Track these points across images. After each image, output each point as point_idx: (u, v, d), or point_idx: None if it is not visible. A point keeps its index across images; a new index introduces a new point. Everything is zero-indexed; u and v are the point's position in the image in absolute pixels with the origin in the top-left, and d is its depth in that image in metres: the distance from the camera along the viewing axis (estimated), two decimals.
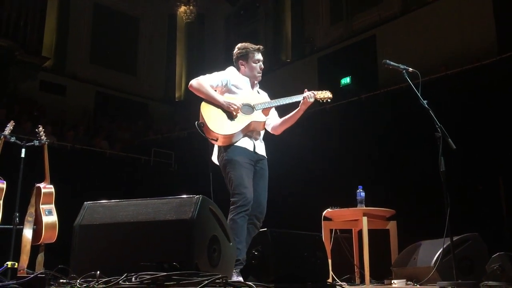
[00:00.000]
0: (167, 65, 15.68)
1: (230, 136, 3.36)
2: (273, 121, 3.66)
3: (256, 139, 3.51)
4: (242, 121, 3.41)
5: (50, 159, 4.79)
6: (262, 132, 3.61)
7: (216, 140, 3.39)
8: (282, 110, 3.68)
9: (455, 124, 4.77)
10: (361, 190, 4.31)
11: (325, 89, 3.65)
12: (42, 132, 4.83)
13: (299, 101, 3.51)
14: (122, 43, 14.90)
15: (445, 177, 2.87)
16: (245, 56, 3.60)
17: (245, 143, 3.42)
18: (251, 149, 3.43)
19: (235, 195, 3.24)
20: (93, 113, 13.57)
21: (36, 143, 4.76)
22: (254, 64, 3.60)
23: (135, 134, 12.60)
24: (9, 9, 12.16)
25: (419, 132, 5.96)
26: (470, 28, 9.52)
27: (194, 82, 3.49)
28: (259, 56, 3.61)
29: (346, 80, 11.59)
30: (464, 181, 5.60)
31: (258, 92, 3.70)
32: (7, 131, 4.66)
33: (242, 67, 3.63)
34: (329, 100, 3.65)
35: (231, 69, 3.65)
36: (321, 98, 3.61)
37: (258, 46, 3.65)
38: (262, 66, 3.65)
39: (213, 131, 3.34)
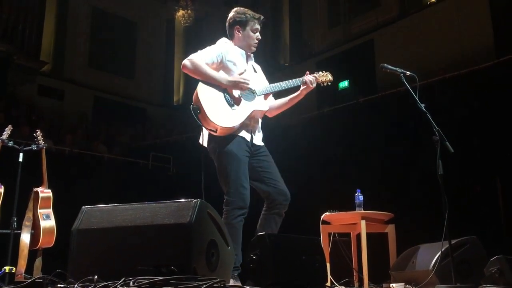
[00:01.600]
0: (165, 69, 15.70)
1: (232, 128, 3.05)
2: (270, 103, 3.38)
3: (254, 128, 3.23)
4: (244, 110, 3.10)
5: (48, 164, 4.78)
6: (260, 120, 3.33)
7: (215, 132, 3.03)
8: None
9: (452, 128, 4.78)
10: (359, 194, 4.30)
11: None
12: (40, 137, 4.83)
13: (299, 85, 3.31)
14: (120, 48, 14.91)
15: (443, 180, 2.87)
16: (244, 22, 3.26)
17: (242, 133, 3.13)
18: (249, 139, 3.16)
19: (231, 193, 3.01)
20: (91, 117, 13.56)
21: (34, 147, 4.75)
22: (251, 33, 3.28)
23: (133, 138, 12.60)
24: (7, 13, 12.17)
25: (417, 136, 5.97)
26: (468, 31, 9.55)
27: (187, 62, 3.09)
28: (258, 25, 3.30)
29: (344, 84, 11.61)
30: (462, 184, 5.60)
31: (254, 69, 3.39)
32: (5, 135, 4.66)
33: (237, 34, 3.28)
34: (329, 83, 3.46)
35: (224, 41, 3.30)
36: (322, 82, 3.43)
37: (259, 15, 3.34)
38: (259, 37, 3.33)
39: (212, 122, 2.98)
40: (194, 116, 3.01)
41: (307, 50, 13.01)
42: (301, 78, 3.33)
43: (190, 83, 15.31)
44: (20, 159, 4.68)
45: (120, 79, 14.76)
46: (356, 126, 7.53)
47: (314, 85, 3.33)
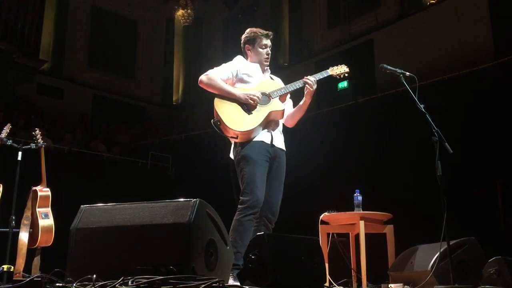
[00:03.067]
0: (165, 69, 15.68)
1: (250, 132, 3.20)
2: (288, 111, 3.51)
3: (274, 130, 3.35)
4: (261, 113, 3.24)
5: (46, 162, 4.79)
6: (281, 122, 3.46)
7: (236, 138, 3.22)
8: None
9: (452, 129, 4.78)
10: (358, 194, 4.30)
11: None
12: (39, 135, 4.83)
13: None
14: (120, 47, 14.89)
15: (442, 181, 2.88)
16: (252, 40, 3.48)
17: (262, 136, 3.27)
18: (268, 141, 3.28)
19: (245, 193, 3.13)
20: (90, 116, 13.55)
21: (33, 146, 4.76)
22: (260, 49, 3.46)
23: (132, 137, 12.60)
24: (7, 12, 12.15)
25: (416, 136, 5.97)
26: (467, 32, 9.55)
27: (203, 77, 3.31)
28: (266, 41, 3.48)
29: (343, 84, 11.60)
30: (461, 185, 5.61)
31: (272, 78, 3.57)
32: (3, 134, 4.66)
33: (248, 52, 3.50)
34: (346, 75, 3.54)
35: (239, 58, 3.51)
36: (337, 75, 3.51)
37: (267, 32, 3.52)
38: (269, 52, 3.50)
39: (231, 129, 3.17)
40: (216, 130, 3.19)
41: (307, 50, 13.00)
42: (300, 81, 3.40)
43: (190, 83, 15.32)
44: (19, 158, 4.68)
45: (119, 78, 14.75)
46: (355, 126, 7.54)
47: (315, 86, 3.37)
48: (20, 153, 4.68)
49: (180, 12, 16.03)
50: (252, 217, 3.10)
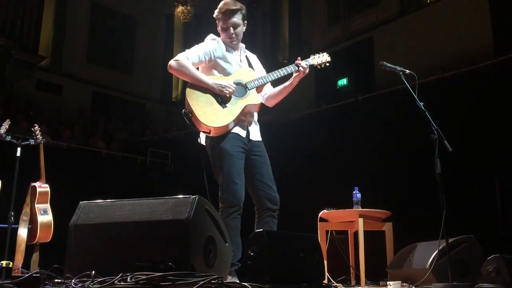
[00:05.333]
0: (164, 65, 15.49)
1: (225, 127, 3.01)
2: (267, 92, 3.31)
3: (250, 123, 3.16)
4: (236, 106, 3.03)
5: (45, 158, 4.78)
6: (256, 114, 3.24)
7: (209, 133, 3.02)
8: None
9: (451, 126, 4.78)
10: (357, 192, 4.30)
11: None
12: (38, 131, 4.82)
13: (293, 73, 3.21)
14: (119, 43, 14.88)
15: (441, 179, 2.88)
16: (219, 18, 3.19)
17: (237, 129, 3.06)
18: (244, 135, 3.09)
19: (223, 191, 2.97)
20: (89, 112, 13.54)
21: (32, 142, 4.75)
22: (224, 28, 3.15)
23: (131, 134, 12.59)
24: (6, 7, 12.12)
25: (416, 134, 5.97)
26: (467, 30, 9.55)
27: (173, 63, 3.02)
28: (236, 18, 3.16)
29: (343, 82, 11.61)
30: (460, 183, 5.61)
31: (249, 60, 3.31)
32: (2, 130, 4.65)
33: (218, 28, 3.21)
34: (327, 64, 3.35)
35: (211, 38, 3.23)
36: (319, 64, 3.34)
37: (237, 7, 3.17)
38: (232, 32, 3.15)
39: (204, 124, 2.96)
40: (186, 121, 3.01)
41: (306, 47, 12.99)
42: (294, 65, 3.24)
43: None
44: (18, 154, 4.67)
45: (118, 74, 14.74)
46: (355, 123, 7.54)
47: (307, 71, 3.22)
48: (19, 149, 4.67)
49: (180, 8, 16.01)
50: (235, 214, 2.97)
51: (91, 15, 14.49)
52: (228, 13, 3.15)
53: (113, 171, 9.29)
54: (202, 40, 3.27)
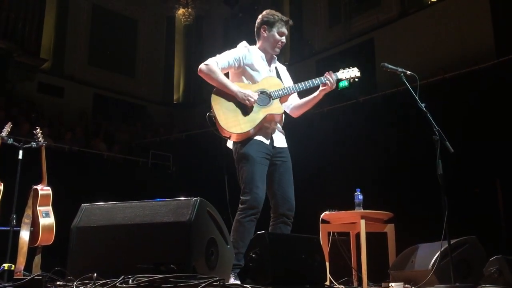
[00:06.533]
0: (166, 67, 15.67)
1: (245, 134, 3.09)
2: (293, 102, 3.38)
3: (273, 131, 3.23)
4: (258, 115, 3.11)
5: (47, 161, 4.79)
6: (281, 122, 3.32)
7: (229, 138, 3.15)
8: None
9: (452, 127, 4.78)
10: (359, 193, 4.30)
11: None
12: (39, 134, 4.83)
13: (319, 85, 3.27)
14: (120, 45, 14.88)
15: (443, 180, 2.87)
16: (271, 23, 3.27)
17: (261, 136, 3.15)
18: (268, 142, 3.18)
19: (245, 193, 3.05)
20: (91, 115, 13.55)
21: (34, 144, 4.76)
22: (277, 35, 3.27)
23: (133, 136, 12.59)
24: (7, 10, 12.14)
25: (417, 135, 5.97)
26: (468, 31, 9.54)
27: (203, 67, 3.14)
28: (284, 29, 3.29)
29: (344, 83, 11.59)
30: (462, 184, 5.60)
31: (277, 70, 3.39)
32: (4, 132, 4.66)
33: (263, 34, 3.28)
34: (356, 80, 3.43)
35: (243, 45, 3.33)
36: (347, 79, 3.41)
37: (288, 18, 3.34)
38: (284, 41, 3.31)
39: (225, 129, 3.07)
40: (209, 124, 3.10)
41: (308, 48, 13.00)
42: (321, 78, 3.30)
43: (190, 81, 15.32)
44: (20, 157, 4.68)
45: (120, 76, 14.74)
46: (356, 125, 7.53)
47: (334, 86, 3.29)
48: (21, 152, 4.68)
49: (181, 11, 16.02)
50: (253, 217, 3.03)
51: (93, 18, 14.49)
52: (287, 23, 3.31)
53: (115, 173, 9.30)
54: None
